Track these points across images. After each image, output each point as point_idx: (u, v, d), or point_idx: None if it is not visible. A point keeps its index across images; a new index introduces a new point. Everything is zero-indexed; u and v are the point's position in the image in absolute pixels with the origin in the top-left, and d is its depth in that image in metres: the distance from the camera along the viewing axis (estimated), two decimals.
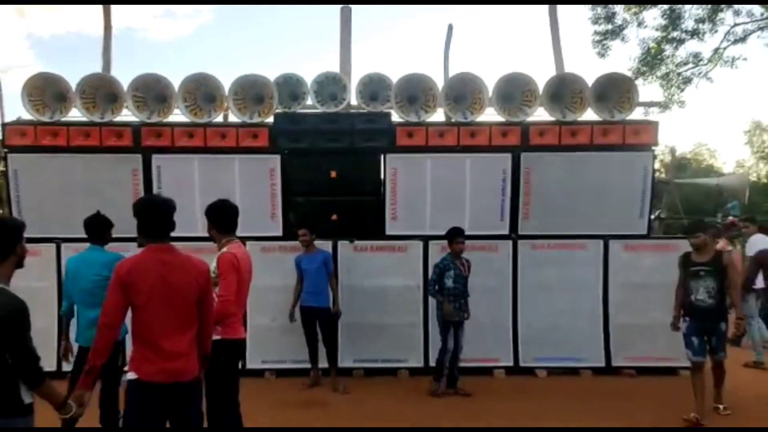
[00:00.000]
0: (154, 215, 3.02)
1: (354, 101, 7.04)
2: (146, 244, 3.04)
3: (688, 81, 16.22)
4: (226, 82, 6.71)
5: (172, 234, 3.08)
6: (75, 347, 4.51)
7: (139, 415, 2.95)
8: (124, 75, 6.80)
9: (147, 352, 2.94)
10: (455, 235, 5.99)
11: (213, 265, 3.78)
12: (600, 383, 6.47)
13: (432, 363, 6.36)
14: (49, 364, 6.13)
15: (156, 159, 6.74)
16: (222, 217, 3.96)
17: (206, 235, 4.07)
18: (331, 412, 5.51)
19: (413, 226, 6.74)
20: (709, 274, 5.15)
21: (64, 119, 6.77)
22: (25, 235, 2.87)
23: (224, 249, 3.86)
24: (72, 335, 4.59)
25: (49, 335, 6.41)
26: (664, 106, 15.86)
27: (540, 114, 6.97)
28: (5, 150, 6.75)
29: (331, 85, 6.95)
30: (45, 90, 6.71)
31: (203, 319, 3.09)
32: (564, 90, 6.90)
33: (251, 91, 6.80)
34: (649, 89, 25.89)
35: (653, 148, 7.04)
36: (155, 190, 6.66)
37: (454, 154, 6.85)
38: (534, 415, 5.36)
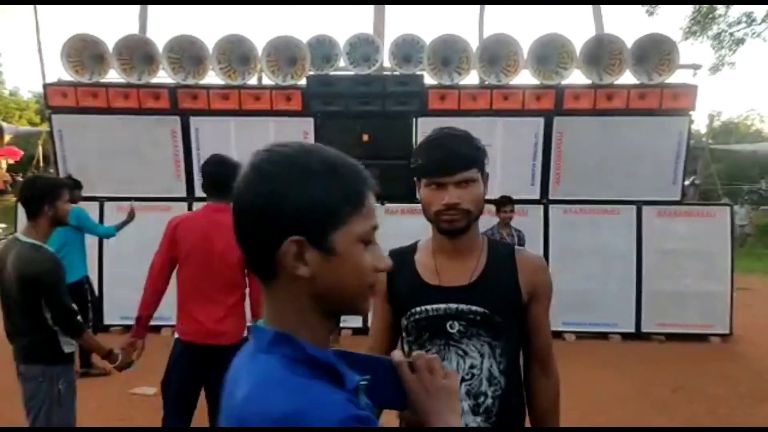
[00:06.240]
0: (203, 173, 3.14)
1: (387, 63, 7.00)
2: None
3: (740, 42, 15.63)
4: (260, 44, 6.73)
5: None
6: None
7: (172, 373, 2.98)
8: (159, 36, 6.83)
9: (183, 310, 2.99)
10: (501, 204, 5.59)
11: None
12: (628, 348, 6.49)
13: None
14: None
15: (194, 121, 6.85)
16: None
17: None
18: None
19: None
20: (477, 329, 1.57)
21: (103, 80, 6.90)
22: None
23: None
24: None
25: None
26: (714, 68, 15.36)
27: (575, 77, 6.83)
28: (49, 110, 6.95)
29: (363, 47, 6.92)
30: (83, 51, 6.81)
31: (253, 287, 3.00)
32: (602, 51, 6.71)
33: (284, 52, 6.80)
34: (699, 49, 25.04)
35: (690, 112, 6.83)
36: (194, 152, 6.81)
37: (486, 117, 6.78)
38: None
